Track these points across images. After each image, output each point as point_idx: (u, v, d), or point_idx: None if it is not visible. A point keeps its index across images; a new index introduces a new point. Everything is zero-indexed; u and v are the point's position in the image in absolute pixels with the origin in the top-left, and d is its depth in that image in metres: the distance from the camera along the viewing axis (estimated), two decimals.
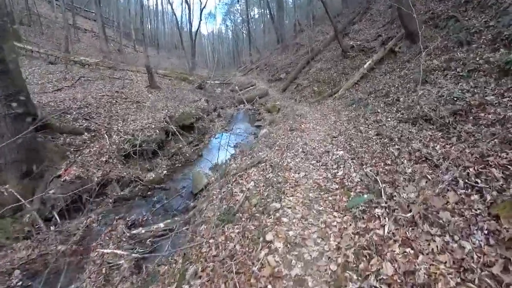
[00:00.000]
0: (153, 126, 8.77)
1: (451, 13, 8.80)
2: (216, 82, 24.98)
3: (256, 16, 51.00)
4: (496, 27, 6.25)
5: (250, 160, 5.53)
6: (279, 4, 22.92)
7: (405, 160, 4.07)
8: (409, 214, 2.78)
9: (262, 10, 43.01)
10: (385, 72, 9.70)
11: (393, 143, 4.90)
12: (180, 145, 9.49)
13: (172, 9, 29.13)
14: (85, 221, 5.48)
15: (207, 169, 7.80)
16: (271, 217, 3.28)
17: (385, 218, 2.96)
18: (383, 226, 2.87)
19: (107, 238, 4.85)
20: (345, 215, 3.21)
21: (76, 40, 22.97)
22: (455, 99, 4.99)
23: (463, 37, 6.90)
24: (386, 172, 3.90)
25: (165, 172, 8.21)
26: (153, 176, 7.77)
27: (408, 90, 7.10)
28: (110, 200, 6.71)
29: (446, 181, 3.15)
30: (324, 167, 4.65)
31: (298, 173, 4.46)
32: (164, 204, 6.58)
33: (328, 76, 12.60)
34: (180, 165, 8.71)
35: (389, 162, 4.20)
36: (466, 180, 3.07)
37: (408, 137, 4.85)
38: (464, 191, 2.99)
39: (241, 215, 3.52)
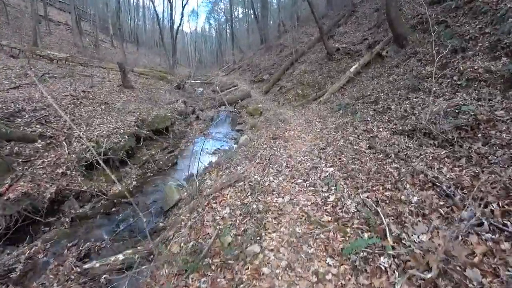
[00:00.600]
0: (121, 131, 7.79)
1: (441, 18, 8.35)
2: (197, 81, 23.97)
3: (240, 15, 50.01)
4: (494, 34, 5.75)
5: (226, 177, 4.72)
6: (263, 4, 22.17)
7: (408, 185, 3.41)
8: (428, 275, 2.07)
9: (246, 10, 42.08)
10: (373, 77, 9.16)
11: (390, 160, 4.26)
12: (153, 152, 8.56)
13: (153, 4, 27.64)
14: (28, 251, 4.50)
15: (182, 179, 6.95)
16: (248, 267, 2.52)
17: (394, 272, 2.26)
18: (393, 285, 2.17)
19: (52, 276, 3.92)
20: (342, 264, 2.49)
21: (47, 33, 21.23)
22: (457, 111, 4.41)
23: (458, 43, 6.39)
24: (387, 201, 3.23)
25: (134, 183, 7.28)
26: (120, 188, 6.82)
27: (400, 98, 6.53)
28: (67, 219, 5.73)
29: (466, 220, 2.49)
30: (313, 188, 3.92)
31: (282, 197, 3.71)
32: (130, 224, 5.69)
33: (313, 79, 11.98)
34: (151, 174, 7.78)
35: (388, 186, 3.53)
36: (491, 221, 2.43)
37: (407, 154, 4.22)
38: (490, 235, 2.34)
39: (210, 260, 2.73)
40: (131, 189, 7.01)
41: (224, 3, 44.76)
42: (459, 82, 5.43)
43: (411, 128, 4.99)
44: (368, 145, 5.12)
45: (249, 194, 3.89)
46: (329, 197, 3.60)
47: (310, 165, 4.72)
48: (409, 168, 3.81)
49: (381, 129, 5.62)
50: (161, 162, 8.25)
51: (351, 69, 9.97)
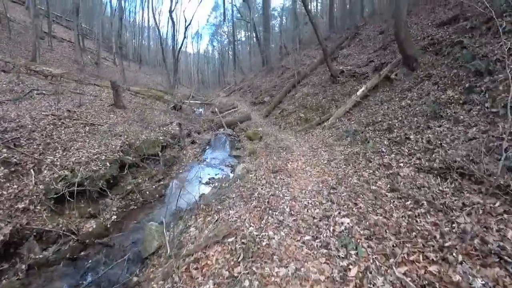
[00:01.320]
0: (103, 158, 6.84)
1: (455, 39, 7.61)
2: (197, 102, 23.30)
3: (243, 38, 50.49)
4: None
5: (214, 228, 3.68)
6: (266, 27, 21.91)
7: (460, 255, 2.40)
8: None
9: (249, 33, 42.39)
10: (382, 101, 8.31)
11: (422, 211, 3.26)
12: (140, 181, 7.57)
13: (156, 24, 27.58)
14: None
15: (168, 214, 5.94)
16: None
17: None
18: None
19: None
20: None
21: (48, 49, 20.79)
22: (505, 149, 3.46)
23: (484, 65, 5.54)
24: (435, 282, 2.21)
25: (114, 217, 6.24)
26: (94, 226, 5.79)
27: (418, 126, 5.62)
28: (23, 267, 4.67)
29: None
30: (326, 251, 2.90)
31: (285, 266, 2.68)
32: (100, 275, 4.61)
33: (316, 102, 11.17)
34: (135, 207, 6.75)
35: (431, 253, 2.53)
36: None
37: (444, 203, 3.23)
38: None
39: None
40: (108, 225, 5.97)
41: (227, 26, 45.21)
42: (494, 110, 4.52)
43: (441, 165, 4.02)
44: (389, 186, 4.13)
45: (240, 258, 2.85)
46: (349, 269, 2.57)
47: (319, 213, 3.71)
48: (453, 225, 2.81)
49: (401, 164, 4.65)
50: (147, 193, 7.24)
51: (358, 93, 9.15)
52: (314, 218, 3.63)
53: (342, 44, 15.12)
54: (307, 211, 3.85)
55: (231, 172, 8.41)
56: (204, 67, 56.18)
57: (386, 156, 5.22)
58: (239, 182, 5.67)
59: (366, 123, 7.50)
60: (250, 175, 5.97)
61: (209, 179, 8.03)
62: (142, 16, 43.75)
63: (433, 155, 4.39)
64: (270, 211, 3.92)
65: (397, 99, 7.73)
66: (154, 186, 7.56)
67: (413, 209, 3.34)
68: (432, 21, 9.95)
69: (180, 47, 25.29)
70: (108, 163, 6.82)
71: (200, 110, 20.22)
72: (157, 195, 7.25)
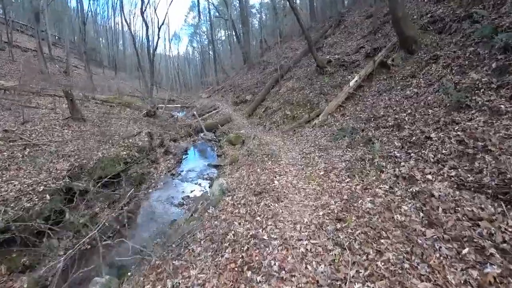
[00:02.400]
0: (41, 188, 5.28)
1: (462, 14, 6.35)
2: (176, 105, 21.66)
3: (223, 37, 48.65)
4: None
5: None
6: (243, 21, 20.33)
7: None
8: None
9: (228, 32, 40.62)
10: (380, 91, 7.02)
11: (495, 270, 1.92)
12: (97, 210, 6.05)
13: (128, 26, 25.60)
14: None
15: (116, 265, 4.53)
16: None
17: None
18: None
19: None
20: None
21: (9, 61, 18.74)
22: None
23: None
24: None
25: (59, 265, 4.70)
26: (26, 285, 4.26)
27: (437, 120, 4.31)
28: None
29: None
30: None
31: None
32: None
33: (303, 97, 9.80)
34: (90, 246, 5.22)
35: None
36: None
37: None
38: None
39: None
40: (49, 278, 4.47)
41: (206, 25, 43.29)
42: None
43: (497, 180, 2.70)
44: (422, 215, 2.78)
45: None
46: None
47: (325, 272, 2.32)
48: None
49: (429, 177, 3.31)
50: (107, 224, 5.70)
51: (351, 83, 7.82)
52: (316, 283, 2.23)
53: (326, 33, 13.80)
54: (306, 267, 2.46)
55: (209, 187, 7.00)
56: (185, 69, 54.07)
57: (402, 163, 3.88)
58: (212, 211, 4.23)
59: (366, 119, 6.17)
60: (227, 199, 4.53)
61: (182, 198, 6.60)
62: (114, 21, 41.11)
63: (476, 163, 3.06)
64: (249, 272, 2.51)
65: (399, 87, 6.44)
66: (116, 214, 6.03)
67: (474, 266, 1.99)
68: None
69: (155, 48, 23.48)
70: (48, 195, 5.26)
71: (179, 114, 18.64)
72: (117, 227, 5.76)
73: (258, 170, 5.53)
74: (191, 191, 6.92)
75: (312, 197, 3.87)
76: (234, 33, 29.76)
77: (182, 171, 8.43)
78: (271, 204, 3.78)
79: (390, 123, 5.23)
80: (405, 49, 7.40)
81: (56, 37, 31.05)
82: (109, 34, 37.76)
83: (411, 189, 3.25)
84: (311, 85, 9.94)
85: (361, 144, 5.29)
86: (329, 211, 3.32)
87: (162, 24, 24.07)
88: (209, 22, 39.18)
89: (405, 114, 5.17)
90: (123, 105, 13.03)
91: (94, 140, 7.67)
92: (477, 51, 5.01)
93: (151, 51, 23.11)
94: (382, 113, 5.85)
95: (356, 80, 7.78)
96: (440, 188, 3.02)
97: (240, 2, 21.61)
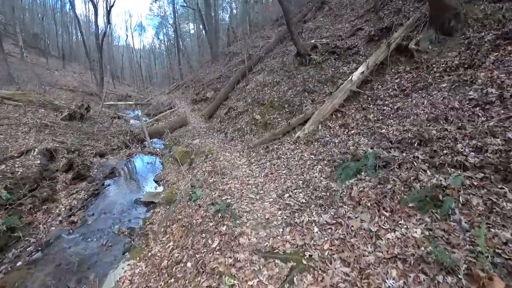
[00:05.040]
0: None
1: None
2: (128, 103, 17.56)
3: (192, 31, 44.19)
4: None
5: None
6: (207, 3, 16.71)
7: None
8: None
9: (197, 25, 36.41)
10: (404, 89, 4.17)
11: None
12: None
13: (73, 7, 20.84)
14: None
15: None
16: None
17: None
18: None
19: None
20: None
21: None
22: None
23: None
24: None
25: None
26: None
27: None
28: None
29: None
30: None
31: None
32: None
33: (279, 96, 6.74)
34: None
35: None
36: None
37: None
38: None
39: None
40: None
41: (172, 17, 38.63)
42: None
43: None
44: None
45: None
46: None
47: None
48: None
49: None
50: None
51: (353, 77, 4.88)
52: None
53: (305, 18, 10.85)
54: None
55: (123, 253, 3.71)
56: (151, 63, 48.71)
57: None
58: None
59: (396, 139, 3.24)
60: None
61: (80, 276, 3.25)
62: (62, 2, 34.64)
63: None
64: None
65: (446, 84, 3.58)
66: None
67: None
68: None
69: (104, 34, 19.13)
70: None
71: (132, 113, 14.76)
72: None
73: (203, 251, 2.33)
74: (89, 267, 3.55)
75: None
76: (201, 25, 25.87)
77: (92, 214, 4.95)
78: None
79: (474, 161, 2.31)
80: (437, 27, 4.60)
81: None
82: (58, 18, 31.82)
83: None
84: (290, 80, 6.89)
85: (414, 206, 2.31)
86: None
87: (112, 6, 19.75)
88: (171, 5, 33.91)
89: (492, 138, 2.29)
90: (38, 105, 9.03)
91: None
92: None
93: (100, 38, 18.78)
94: (434, 131, 2.93)
95: (363, 72, 4.84)
96: None
97: None
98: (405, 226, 2.18)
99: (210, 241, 2.58)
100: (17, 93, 9.66)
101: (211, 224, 2.90)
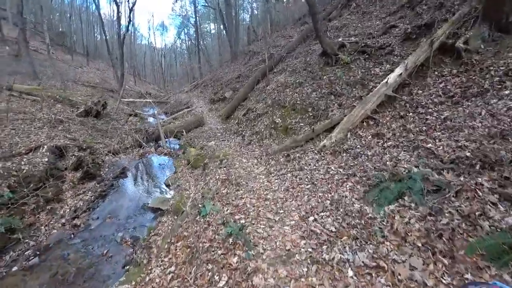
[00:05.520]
0: None
1: None
2: (147, 100, 17.53)
3: (213, 31, 44.19)
4: None
5: None
6: (227, 2, 16.37)
7: None
8: None
9: (217, 25, 36.24)
10: (452, 96, 3.51)
11: None
12: None
13: (97, 5, 21.24)
14: None
15: None
16: None
17: None
18: None
19: None
20: None
21: None
22: None
23: None
24: None
25: None
26: None
27: None
28: None
29: None
30: None
31: None
32: None
33: (302, 99, 6.21)
34: None
35: None
36: None
37: None
38: None
39: None
40: None
41: (193, 17, 38.72)
42: None
43: None
44: None
45: None
46: None
47: None
48: None
49: None
50: None
51: (389, 79, 4.28)
52: None
53: (330, 16, 10.19)
54: None
55: (123, 266, 3.41)
56: (172, 61, 49.28)
57: None
58: None
59: (448, 158, 2.63)
60: None
61: None
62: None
63: None
64: None
65: (510, 91, 2.94)
66: None
67: None
68: None
69: (125, 33, 19.29)
70: None
71: (150, 111, 14.67)
72: None
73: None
74: (85, 280, 3.24)
75: None
76: (222, 25, 25.57)
77: (97, 218, 4.69)
78: None
79: None
80: (492, 22, 3.90)
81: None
82: (84, 17, 32.76)
83: None
84: (315, 81, 6.34)
85: (484, 253, 1.74)
86: None
87: (134, 4, 19.92)
88: (192, 5, 33.90)
89: None
90: (56, 100, 9.02)
91: None
92: None
93: (121, 35, 18.99)
94: (502, 151, 2.32)
95: (400, 74, 4.22)
96: None
97: None
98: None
99: (217, 277, 2.15)
100: (36, 88, 9.72)
101: (220, 252, 2.46)
